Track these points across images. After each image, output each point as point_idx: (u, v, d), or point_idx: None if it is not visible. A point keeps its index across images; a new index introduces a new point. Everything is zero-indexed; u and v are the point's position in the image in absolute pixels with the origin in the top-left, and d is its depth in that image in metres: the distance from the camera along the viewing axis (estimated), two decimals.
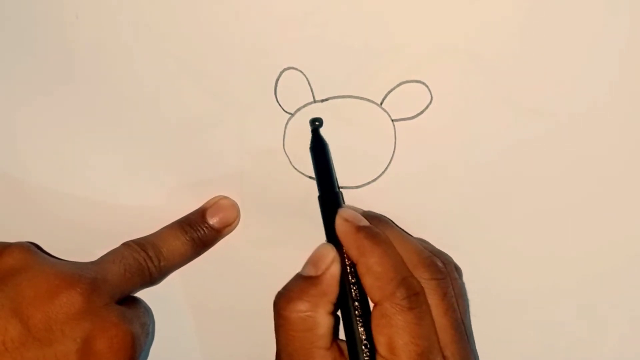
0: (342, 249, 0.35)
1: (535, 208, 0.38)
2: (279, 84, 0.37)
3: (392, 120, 0.38)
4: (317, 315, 0.33)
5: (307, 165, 0.39)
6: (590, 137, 0.37)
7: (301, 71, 0.37)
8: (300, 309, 0.33)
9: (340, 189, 0.38)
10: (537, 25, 0.36)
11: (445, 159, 0.38)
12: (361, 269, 0.34)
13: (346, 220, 0.35)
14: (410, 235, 0.38)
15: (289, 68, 0.37)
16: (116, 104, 0.38)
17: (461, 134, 0.37)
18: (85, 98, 0.38)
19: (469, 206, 0.38)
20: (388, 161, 0.38)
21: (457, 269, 0.38)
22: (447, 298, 0.34)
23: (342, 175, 0.38)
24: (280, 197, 0.39)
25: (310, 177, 0.39)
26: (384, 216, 0.38)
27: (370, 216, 0.36)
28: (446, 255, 0.38)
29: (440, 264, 0.35)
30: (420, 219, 0.39)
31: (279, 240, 0.40)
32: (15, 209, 0.40)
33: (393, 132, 0.38)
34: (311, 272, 0.34)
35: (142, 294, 0.38)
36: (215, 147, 0.38)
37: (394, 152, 0.38)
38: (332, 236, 0.35)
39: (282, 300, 0.34)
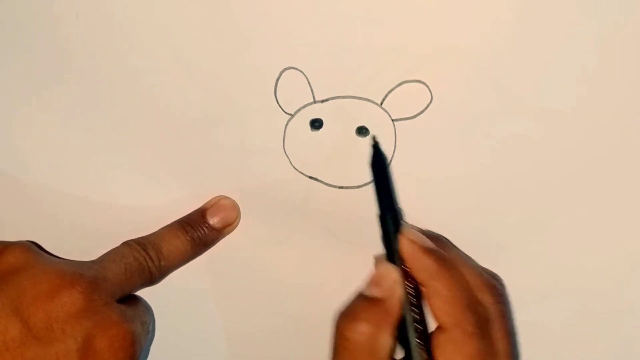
0: (403, 270, 0.34)
1: (535, 207, 0.38)
2: (279, 84, 0.37)
3: (392, 120, 0.38)
4: (380, 337, 0.33)
5: (307, 165, 0.39)
6: (591, 137, 0.37)
7: (301, 71, 0.37)
8: (364, 330, 0.32)
9: (341, 188, 0.38)
10: (537, 26, 0.36)
11: (446, 158, 0.38)
12: (429, 292, 0.33)
13: (412, 241, 0.35)
14: (468, 256, 0.38)
15: (289, 68, 0.37)
16: (116, 104, 0.38)
17: (461, 133, 0.37)
18: (85, 98, 0.38)
19: (469, 206, 0.38)
20: (388, 161, 0.38)
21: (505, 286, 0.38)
22: (508, 323, 0.34)
23: (343, 174, 0.39)
24: (280, 197, 0.39)
25: (310, 177, 0.39)
26: (443, 236, 0.38)
27: (430, 236, 0.36)
28: (498, 276, 0.38)
29: (499, 287, 0.35)
30: (420, 218, 0.39)
31: (279, 240, 0.40)
32: (15, 209, 0.40)
33: (393, 132, 0.38)
34: (375, 292, 0.34)
35: (143, 293, 0.38)
36: (215, 147, 0.39)
37: (394, 152, 0.38)
38: (392, 255, 0.35)
39: (346, 320, 0.33)
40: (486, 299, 0.34)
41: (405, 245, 0.35)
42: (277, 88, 0.37)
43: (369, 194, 0.38)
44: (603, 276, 0.39)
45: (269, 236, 0.40)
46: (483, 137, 0.37)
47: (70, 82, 0.38)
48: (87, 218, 0.39)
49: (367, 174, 0.38)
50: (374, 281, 0.34)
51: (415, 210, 0.39)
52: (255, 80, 0.37)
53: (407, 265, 0.34)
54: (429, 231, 0.37)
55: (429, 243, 0.35)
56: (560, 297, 0.39)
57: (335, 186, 0.39)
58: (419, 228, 0.37)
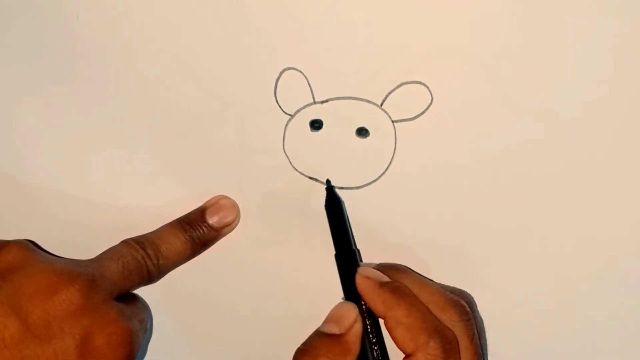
0: (362, 307, 0.35)
1: (535, 208, 0.38)
2: (278, 85, 0.37)
3: (393, 121, 0.38)
4: None
5: (307, 165, 0.39)
6: (591, 137, 0.37)
7: (301, 72, 0.37)
8: None
9: (341, 189, 0.38)
10: (537, 26, 0.36)
11: (446, 159, 0.38)
12: (390, 323, 0.34)
13: (367, 277, 0.35)
14: (429, 279, 0.38)
15: (289, 68, 0.37)
16: (116, 104, 0.38)
17: (461, 134, 0.37)
18: (85, 98, 0.38)
19: (469, 206, 0.38)
20: (388, 162, 0.38)
21: (474, 303, 0.38)
22: (475, 340, 0.34)
23: (342, 175, 0.39)
24: (280, 197, 0.39)
25: (310, 178, 0.39)
26: (400, 265, 0.38)
27: (386, 266, 0.37)
28: (465, 293, 0.38)
29: (465, 304, 0.35)
30: (420, 219, 0.39)
31: (279, 240, 0.40)
32: (15, 208, 0.40)
33: (393, 133, 0.38)
34: (334, 329, 0.34)
35: (141, 292, 0.38)
36: (215, 147, 0.39)
37: (394, 152, 0.38)
38: (350, 293, 0.36)
39: (305, 357, 0.34)
40: (450, 317, 0.34)
41: (361, 282, 0.35)
42: (277, 88, 0.38)
43: (369, 195, 0.38)
44: (603, 275, 0.38)
45: (269, 236, 0.40)
46: (483, 138, 0.37)
47: (69, 82, 0.38)
48: (86, 217, 0.39)
49: (366, 175, 0.38)
50: (332, 318, 0.35)
51: (415, 211, 0.39)
52: (255, 81, 0.37)
53: (366, 301, 0.35)
54: (386, 263, 0.38)
55: (384, 277, 0.35)
56: (561, 295, 0.39)
57: (335, 186, 0.39)
58: (374, 264, 0.37)
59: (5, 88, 0.39)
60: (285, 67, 0.37)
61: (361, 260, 0.38)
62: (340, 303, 0.36)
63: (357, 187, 0.39)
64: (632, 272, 0.38)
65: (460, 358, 0.33)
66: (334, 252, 0.37)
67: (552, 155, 0.37)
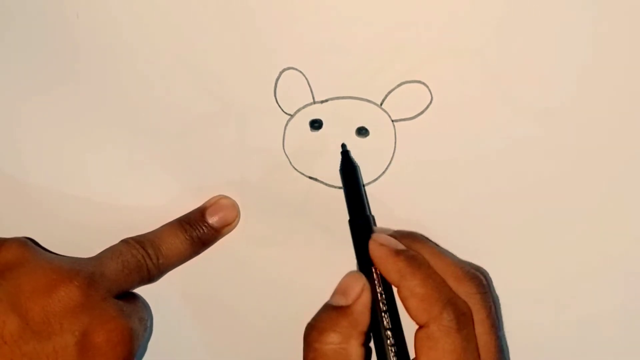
0: (372, 276, 0.34)
1: (535, 207, 0.38)
2: (278, 85, 0.38)
3: (392, 121, 0.38)
4: (349, 347, 0.32)
5: (307, 165, 0.39)
6: (591, 137, 0.37)
7: (301, 71, 0.37)
8: (332, 340, 0.32)
9: (341, 188, 0.38)
10: (536, 26, 0.36)
11: (445, 159, 0.38)
12: (404, 293, 0.33)
13: (382, 244, 0.34)
14: (446, 250, 0.38)
15: (288, 68, 0.37)
16: (116, 104, 0.39)
17: (461, 134, 0.37)
18: (85, 97, 0.39)
19: (469, 206, 0.38)
20: (388, 161, 0.38)
21: (489, 278, 0.38)
22: (492, 314, 0.34)
23: None
24: (280, 197, 0.39)
25: (310, 178, 0.39)
26: (417, 233, 0.37)
27: (403, 234, 0.36)
28: (482, 269, 0.37)
29: (482, 277, 0.34)
30: (420, 219, 0.39)
31: (279, 240, 0.39)
32: (15, 208, 0.40)
33: (393, 133, 0.38)
34: (341, 301, 0.33)
35: (141, 291, 0.38)
36: (215, 147, 0.39)
37: (394, 152, 0.38)
38: (364, 261, 0.35)
39: (314, 332, 0.33)
40: (467, 289, 0.33)
41: (375, 249, 0.34)
42: (277, 88, 0.38)
43: (369, 194, 0.38)
44: (603, 275, 0.38)
45: (269, 236, 0.40)
46: (483, 137, 0.37)
47: (69, 81, 0.38)
48: (86, 217, 0.40)
49: (366, 174, 0.38)
50: (340, 290, 0.34)
51: (415, 210, 0.39)
52: (255, 81, 0.38)
53: (379, 269, 0.34)
54: (402, 231, 0.37)
55: (399, 245, 0.35)
56: (561, 295, 0.39)
57: (335, 186, 0.39)
58: (391, 230, 0.37)
59: (5, 88, 0.39)
60: (285, 67, 0.37)
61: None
62: (348, 273, 0.35)
63: None
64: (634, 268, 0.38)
65: (474, 330, 0.33)
66: (334, 251, 0.37)
67: (552, 154, 0.37)
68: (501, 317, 0.38)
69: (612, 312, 0.39)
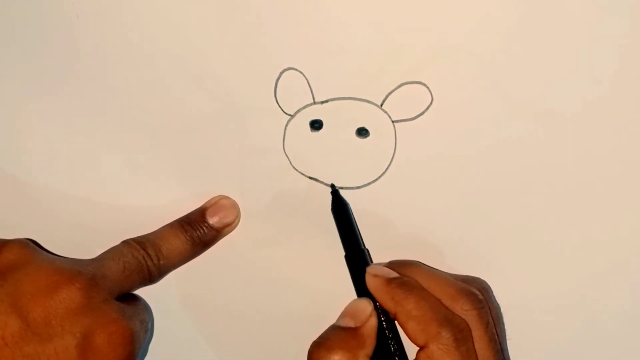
0: (376, 305, 0.35)
1: (536, 207, 0.38)
2: (278, 85, 0.38)
3: (393, 121, 0.38)
4: None
5: (307, 165, 0.39)
6: (591, 137, 0.37)
7: (301, 72, 0.37)
8: (338, 359, 0.33)
9: (341, 189, 0.39)
10: (537, 25, 0.36)
11: (446, 159, 0.38)
12: (401, 318, 0.34)
13: (375, 275, 0.35)
14: (440, 270, 0.38)
15: (289, 69, 0.37)
16: (116, 104, 0.38)
17: (461, 134, 0.37)
18: (85, 98, 0.38)
19: (469, 206, 0.38)
20: (388, 162, 0.38)
21: (489, 290, 0.38)
22: (489, 328, 0.34)
23: (342, 175, 0.39)
24: (280, 197, 0.39)
25: (310, 178, 0.39)
26: (411, 260, 0.38)
27: (396, 264, 0.37)
28: (480, 280, 0.38)
29: (477, 292, 0.35)
30: (420, 219, 0.39)
31: (279, 240, 0.40)
32: (16, 209, 0.40)
33: (393, 133, 0.38)
34: (349, 323, 0.34)
35: (142, 292, 0.38)
36: (215, 147, 0.39)
37: (394, 153, 0.38)
38: (363, 293, 0.36)
39: (321, 350, 0.33)
40: (463, 307, 0.34)
41: (370, 280, 0.35)
42: (277, 89, 0.38)
43: (369, 195, 0.39)
44: (604, 275, 0.38)
45: (269, 236, 0.40)
46: (483, 138, 0.37)
47: (69, 82, 0.38)
48: (87, 218, 0.39)
49: (367, 175, 0.39)
50: (348, 313, 0.35)
51: (415, 210, 0.39)
52: (256, 81, 0.37)
53: (376, 298, 0.35)
54: (396, 260, 0.38)
55: (392, 273, 0.35)
56: (561, 295, 0.39)
57: (339, 189, 0.39)
58: (384, 263, 0.38)
59: (5, 88, 0.39)
60: (285, 67, 0.37)
61: (371, 259, 0.38)
62: (356, 299, 0.36)
63: (358, 187, 0.39)
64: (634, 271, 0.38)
65: (474, 346, 0.33)
66: (334, 251, 0.37)
67: (553, 155, 0.37)
68: (504, 327, 0.38)
69: (616, 316, 0.39)
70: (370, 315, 0.34)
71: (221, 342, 0.41)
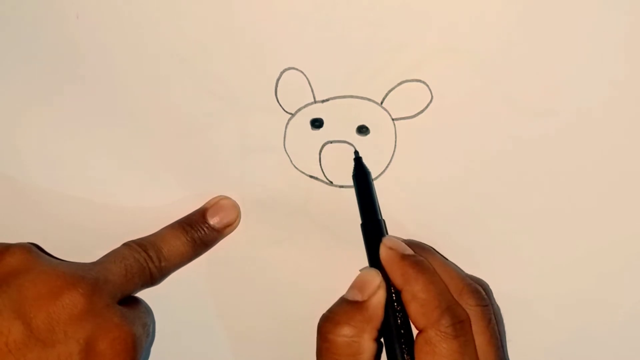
0: (386, 276, 0.35)
1: (535, 207, 0.38)
2: (279, 84, 0.37)
3: (393, 120, 0.38)
4: (362, 341, 0.33)
5: (308, 165, 0.39)
6: (591, 136, 0.37)
7: (302, 71, 0.37)
8: (346, 333, 0.33)
9: (342, 187, 0.39)
10: (537, 25, 0.36)
11: (446, 158, 0.38)
12: (406, 296, 0.34)
13: (390, 248, 0.35)
14: (452, 262, 0.38)
15: (289, 68, 0.37)
16: (116, 104, 0.38)
17: (461, 133, 0.38)
18: (85, 98, 0.38)
19: (469, 206, 0.38)
20: (389, 160, 0.38)
21: (490, 292, 0.38)
22: (491, 325, 0.34)
23: (343, 174, 0.39)
24: (281, 197, 0.39)
25: (311, 177, 0.39)
26: (426, 244, 0.38)
27: (413, 244, 0.37)
28: (483, 281, 0.38)
29: (482, 291, 0.35)
30: (420, 217, 0.39)
31: (279, 240, 0.40)
32: (16, 210, 0.40)
33: (393, 131, 0.38)
34: (357, 296, 0.34)
35: (143, 294, 0.38)
36: (215, 147, 0.38)
37: (394, 151, 0.38)
38: (375, 264, 0.36)
39: (328, 324, 0.34)
40: (468, 302, 0.34)
41: (384, 252, 0.35)
42: (278, 88, 0.37)
43: None
44: (605, 275, 0.39)
45: (269, 236, 0.40)
46: (483, 136, 0.37)
47: (69, 82, 0.38)
48: (87, 219, 0.39)
49: None
50: (356, 285, 0.35)
51: (415, 209, 0.39)
52: (256, 80, 0.37)
53: (386, 271, 0.35)
54: (413, 240, 0.38)
55: (408, 250, 0.35)
56: (562, 296, 0.39)
57: (335, 185, 0.39)
58: (402, 238, 0.37)
59: (5, 89, 0.38)
60: (285, 66, 0.37)
61: (387, 231, 0.38)
62: (364, 270, 0.36)
63: None
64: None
65: (473, 340, 0.34)
66: (334, 251, 0.38)
67: (553, 154, 0.37)
68: (504, 330, 0.39)
69: (616, 316, 0.39)
70: (379, 288, 0.34)
71: (222, 343, 0.41)
